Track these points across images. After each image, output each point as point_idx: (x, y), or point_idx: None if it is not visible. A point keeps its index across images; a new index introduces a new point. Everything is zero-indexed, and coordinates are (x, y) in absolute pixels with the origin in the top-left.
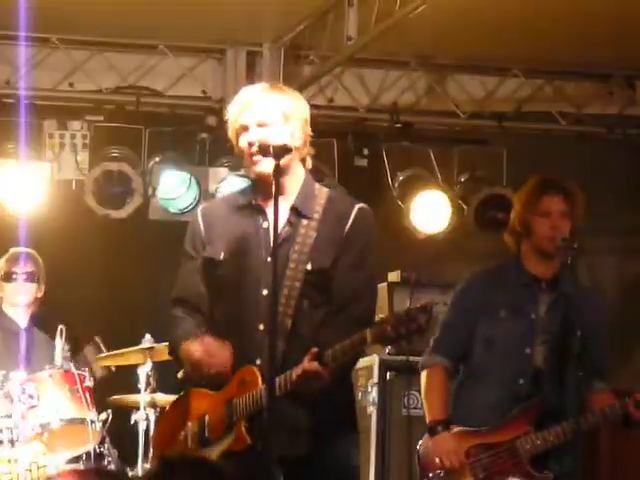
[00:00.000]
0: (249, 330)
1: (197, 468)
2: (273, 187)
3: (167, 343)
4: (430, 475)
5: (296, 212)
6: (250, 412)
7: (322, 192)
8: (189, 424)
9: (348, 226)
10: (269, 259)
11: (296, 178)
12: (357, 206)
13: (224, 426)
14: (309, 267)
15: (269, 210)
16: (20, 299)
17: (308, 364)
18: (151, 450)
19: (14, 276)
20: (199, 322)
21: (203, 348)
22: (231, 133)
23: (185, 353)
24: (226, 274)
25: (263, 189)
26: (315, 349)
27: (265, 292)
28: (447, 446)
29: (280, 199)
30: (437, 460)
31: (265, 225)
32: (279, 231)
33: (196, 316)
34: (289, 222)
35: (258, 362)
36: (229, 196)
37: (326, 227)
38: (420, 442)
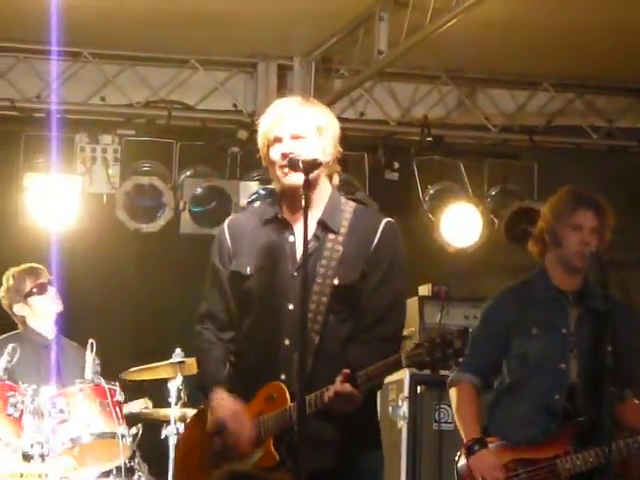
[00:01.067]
0: (275, 345)
1: None
2: (302, 201)
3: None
4: None
5: (323, 226)
6: (279, 429)
7: (348, 206)
8: (215, 438)
9: (376, 241)
10: (295, 273)
11: (323, 192)
12: (384, 220)
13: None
14: (336, 282)
15: (295, 224)
16: (55, 307)
17: (341, 385)
18: (173, 461)
19: (43, 288)
20: (226, 348)
21: (232, 413)
22: (262, 144)
23: (216, 403)
24: (253, 288)
25: (290, 202)
26: (347, 370)
27: (291, 306)
28: (488, 463)
29: (300, 213)
30: (479, 479)
31: (291, 239)
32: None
33: (224, 336)
34: (316, 236)
35: (283, 377)
36: (255, 209)
37: (353, 241)
38: (458, 455)
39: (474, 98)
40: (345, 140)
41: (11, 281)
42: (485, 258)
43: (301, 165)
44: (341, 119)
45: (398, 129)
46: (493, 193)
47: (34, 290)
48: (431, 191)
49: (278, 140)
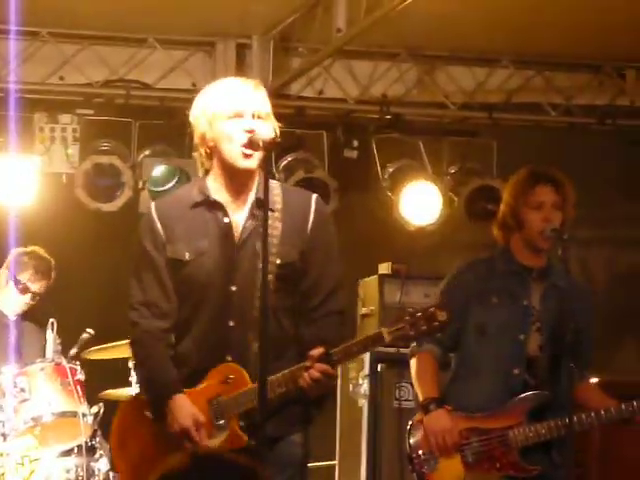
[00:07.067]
0: (219, 327)
1: (231, 469)
2: (259, 180)
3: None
4: (420, 453)
5: (259, 204)
6: (244, 410)
7: (275, 184)
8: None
9: (311, 219)
10: (237, 254)
11: (256, 172)
12: (314, 197)
13: (212, 425)
14: (279, 261)
15: (229, 205)
16: (11, 309)
17: (319, 367)
18: (111, 449)
19: (25, 289)
20: (168, 339)
21: (195, 420)
22: (212, 118)
23: (177, 411)
24: (193, 273)
25: (230, 183)
26: (321, 349)
27: (234, 288)
28: (442, 424)
29: (242, 194)
30: (432, 439)
31: (226, 220)
32: (244, 224)
33: (164, 325)
34: (253, 215)
35: (229, 359)
36: (180, 193)
37: (289, 219)
38: (410, 422)
39: (433, 76)
40: (304, 118)
41: (10, 257)
42: (445, 236)
43: (261, 144)
44: (300, 97)
45: (357, 107)
46: (452, 171)
47: (19, 285)
48: (390, 169)
49: (239, 115)
